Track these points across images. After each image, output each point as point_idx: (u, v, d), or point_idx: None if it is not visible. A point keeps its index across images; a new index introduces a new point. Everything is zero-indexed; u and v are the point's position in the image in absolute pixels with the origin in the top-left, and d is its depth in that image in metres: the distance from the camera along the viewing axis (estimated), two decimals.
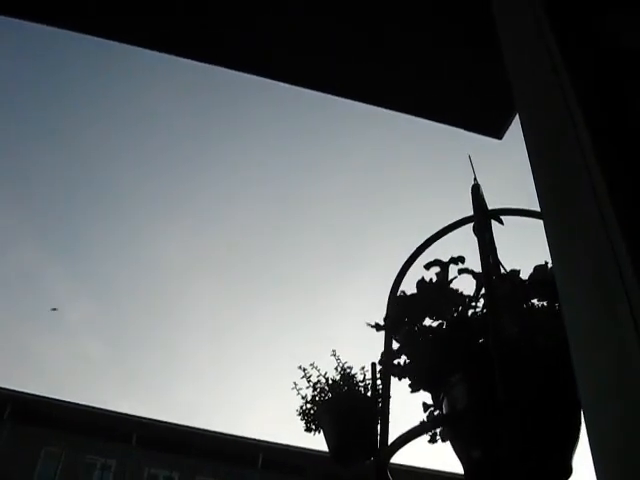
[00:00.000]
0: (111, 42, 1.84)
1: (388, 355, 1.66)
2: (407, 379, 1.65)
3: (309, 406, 1.62)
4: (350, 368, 1.66)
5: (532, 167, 1.19)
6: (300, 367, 1.65)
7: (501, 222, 1.88)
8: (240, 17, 1.76)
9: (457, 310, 1.56)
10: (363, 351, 1.80)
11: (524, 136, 1.23)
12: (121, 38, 1.84)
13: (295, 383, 1.67)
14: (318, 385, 1.62)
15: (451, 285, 1.60)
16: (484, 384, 1.31)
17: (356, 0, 1.73)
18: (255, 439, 18.45)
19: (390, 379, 1.64)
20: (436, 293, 1.54)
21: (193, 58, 1.88)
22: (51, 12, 1.80)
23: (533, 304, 1.50)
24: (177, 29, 1.82)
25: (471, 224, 1.79)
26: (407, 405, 1.67)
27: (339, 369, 1.65)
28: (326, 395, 1.61)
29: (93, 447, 16.28)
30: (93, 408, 16.86)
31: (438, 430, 1.51)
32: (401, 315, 1.62)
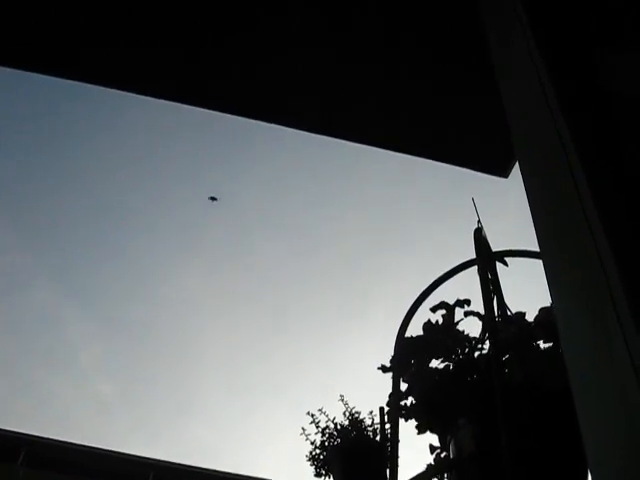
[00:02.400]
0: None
1: (395, 397, 1.66)
2: (414, 420, 1.65)
3: (318, 451, 1.62)
4: (358, 413, 1.67)
5: (531, 210, 1.22)
6: (308, 413, 1.66)
7: (505, 264, 1.90)
8: (249, 66, 1.81)
9: (463, 352, 1.56)
10: (372, 395, 1.81)
11: (523, 181, 1.26)
12: (126, 86, 1.90)
13: (303, 429, 1.67)
14: (327, 430, 1.63)
15: (458, 327, 1.61)
16: (490, 428, 1.31)
17: (362, 52, 1.79)
18: None
19: (398, 422, 1.64)
20: (442, 335, 1.56)
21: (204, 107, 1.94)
22: (57, 63, 1.86)
23: (539, 346, 1.50)
24: (178, 79, 1.88)
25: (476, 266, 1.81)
26: (417, 447, 1.67)
27: (347, 414, 1.65)
28: (335, 440, 1.61)
29: None
30: (109, 451, 16.63)
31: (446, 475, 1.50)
32: (408, 357, 1.63)
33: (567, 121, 1.13)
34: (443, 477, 1.53)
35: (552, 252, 1.17)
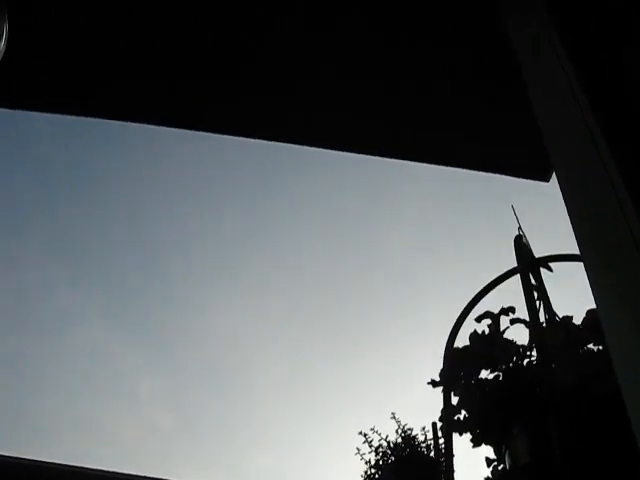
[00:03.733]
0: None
1: (447, 411, 1.65)
2: (468, 434, 1.63)
3: (373, 471, 1.61)
4: (411, 430, 1.66)
5: (569, 212, 1.21)
6: (361, 432, 1.65)
7: (550, 269, 1.87)
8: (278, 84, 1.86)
9: (512, 360, 1.54)
10: (424, 411, 1.79)
11: (559, 185, 1.25)
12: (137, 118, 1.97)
13: (358, 449, 1.67)
14: (380, 449, 1.62)
15: (504, 336, 1.59)
16: (542, 436, 1.29)
17: (407, 68, 1.81)
18: None
19: (452, 436, 1.62)
20: (489, 345, 1.54)
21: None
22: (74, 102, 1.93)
23: (589, 349, 1.47)
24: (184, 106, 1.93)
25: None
26: (472, 461, 1.65)
27: (399, 431, 1.65)
28: (389, 459, 1.60)
29: None
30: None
31: None
32: (456, 369, 1.62)
33: (597, 120, 1.12)
34: None
35: (592, 254, 1.15)
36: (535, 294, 1.78)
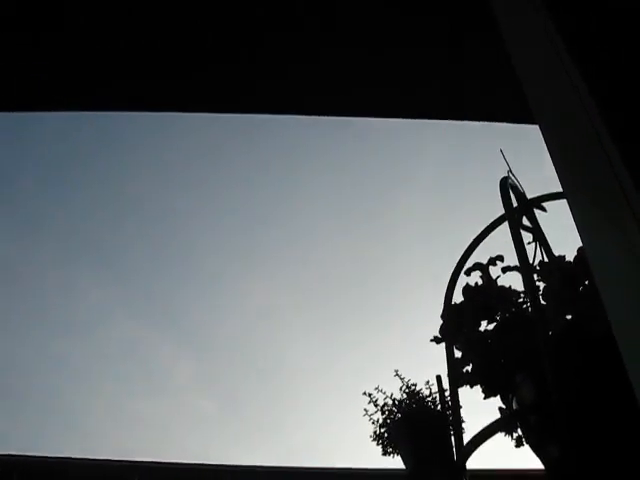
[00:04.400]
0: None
1: (451, 365, 1.65)
2: (478, 386, 1.63)
3: (382, 430, 1.62)
4: (414, 385, 1.66)
5: (549, 149, 1.19)
6: (365, 392, 1.66)
7: (544, 209, 1.85)
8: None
9: (510, 308, 1.54)
10: (426, 367, 1.80)
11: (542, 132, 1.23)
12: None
13: (365, 410, 1.67)
14: (386, 408, 1.62)
15: (499, 284, 1.58)
16: (543, 378, 1.28)
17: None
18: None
19: (457, 389, 1.62)
20: (483, 296, 1.53)
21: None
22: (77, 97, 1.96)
23: (586, 287, 1.46)
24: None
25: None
26: (477, 411, 1.65)
27: (404, 388, 1.65)
28: (395, 416, 1.61)
29: None
30: (219, 465, 16.91)
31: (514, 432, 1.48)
32: (456, 324, 1.62)
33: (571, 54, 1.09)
34: (513, 431, 1.50)
35: (575, 191, 1.14)
36: (530, 237, 1.76)
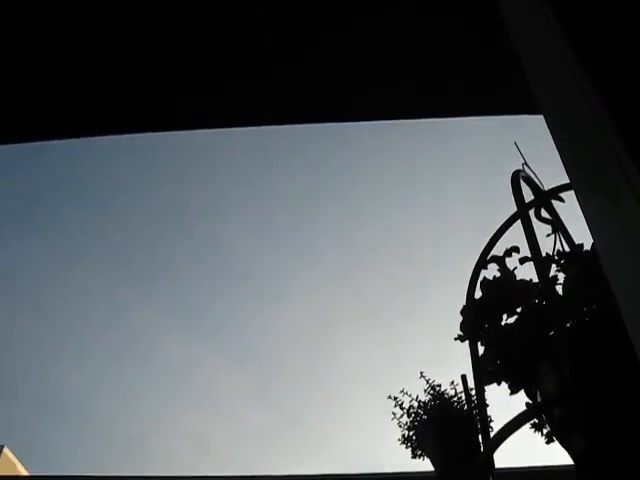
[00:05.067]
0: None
1: (476, 362, 1.62)
2: (504, 382, 1.61)
3: (410, 433, 1.60)
4: (439, 386, 1.64)
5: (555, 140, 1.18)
6: (390, 396, 1.65)
7: (561, 199, 1.82)
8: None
9: (530, 299, 1.51)
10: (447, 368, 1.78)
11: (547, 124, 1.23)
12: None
13: (394, 413, 1.66)
14: (412, 410, 1.61)
15: (517, 277, 1.56)
16: (569, 370, 1.25)
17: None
18: None
19: (483, 386, 1.59)
20: (501, 289, 1.51)
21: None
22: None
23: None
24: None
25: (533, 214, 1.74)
26: (505, 409, 1.62)
27: (428, 389, 1.63)
28: (421, 418, 1.59)
29: None
30: (273, 477, 16.86)
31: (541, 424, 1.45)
32: (476, 319, 1.59)
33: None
34: (539, 423, 1.47)
35: (580, 182, 1.13)
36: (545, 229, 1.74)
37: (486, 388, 1.59)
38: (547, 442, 1.55)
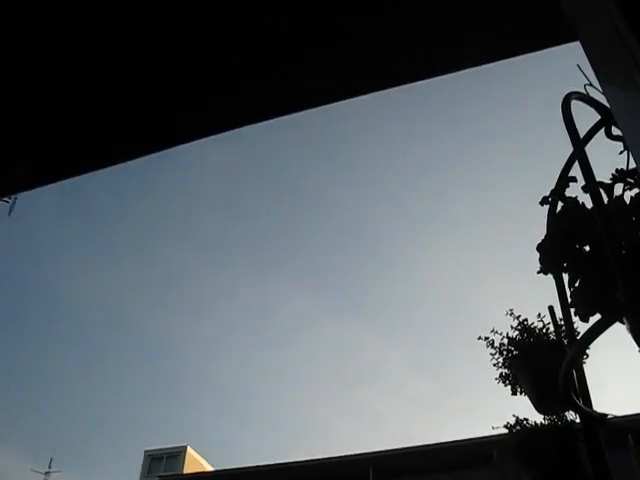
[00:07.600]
0: None
1: (561, 292, 1.63)
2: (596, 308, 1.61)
3: (507, 371, 1.65)
4: (526, 320, 1.66)
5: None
6: (480, 337, 1.69)
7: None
8: None
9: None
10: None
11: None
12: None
13: (491, 353, 1.71)
14: (503, 348, 1.65)
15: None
16: None
17: None
18: None
19: (571, 317, 1.60)
20: (571, 219, 1.51)
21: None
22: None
23: None
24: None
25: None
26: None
27: (517, 325, 1.66)
28: (513, 353, 1.63)
29: None
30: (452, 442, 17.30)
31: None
32: (553, 253, 1.60)
33: None
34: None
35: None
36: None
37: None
38: None
